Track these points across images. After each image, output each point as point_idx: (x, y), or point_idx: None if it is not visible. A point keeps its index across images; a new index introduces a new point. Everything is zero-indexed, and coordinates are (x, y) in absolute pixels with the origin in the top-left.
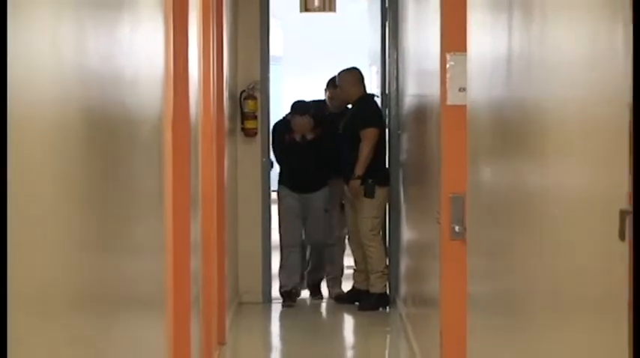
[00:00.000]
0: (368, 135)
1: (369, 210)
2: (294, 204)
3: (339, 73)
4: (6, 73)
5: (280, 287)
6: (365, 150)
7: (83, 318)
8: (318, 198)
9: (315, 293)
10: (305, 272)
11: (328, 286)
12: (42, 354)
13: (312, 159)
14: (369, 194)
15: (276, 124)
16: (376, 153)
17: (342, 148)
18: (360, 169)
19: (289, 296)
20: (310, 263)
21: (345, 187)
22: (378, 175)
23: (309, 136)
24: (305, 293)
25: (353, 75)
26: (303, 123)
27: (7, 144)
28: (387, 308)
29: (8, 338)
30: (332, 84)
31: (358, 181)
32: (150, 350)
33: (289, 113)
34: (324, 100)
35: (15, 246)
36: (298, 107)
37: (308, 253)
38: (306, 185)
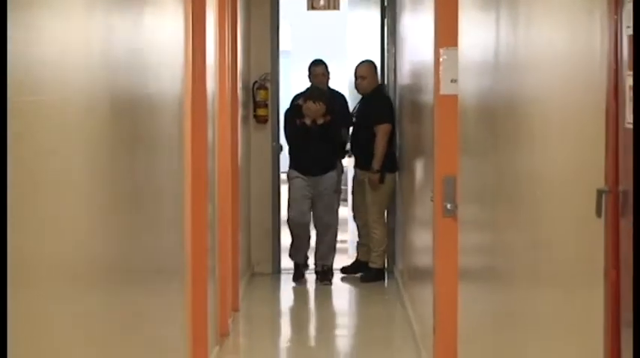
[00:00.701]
0: (384, 130)
1: (379, 196)
2: (302, 185)
3: (359, 65)
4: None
5: (290, 255)
6: (380, 145)
7: (111, 287)
8: (327, 180)
9: (324, 278)
10: (313, 256)
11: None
12: (79, 316)
13: (321, 143)
14: (381, 181)
15: (289, 109)
16: (389, 144)
17: (358, 136)
18: (377, 164)
19: (298, 269)
20: (318, 249)
21: (363, 174)
22: (388, 163)
23: (320, 121)
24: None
25: (371, 66)
26: (316, 109)
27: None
28: (385, 280)
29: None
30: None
31: (377, 175)
32: (171, 316)
33: (299, 97)
34: (335, 90)
35: (49, 215)
36: (314, 93)
37: (314, 239)
38: (316, 168)
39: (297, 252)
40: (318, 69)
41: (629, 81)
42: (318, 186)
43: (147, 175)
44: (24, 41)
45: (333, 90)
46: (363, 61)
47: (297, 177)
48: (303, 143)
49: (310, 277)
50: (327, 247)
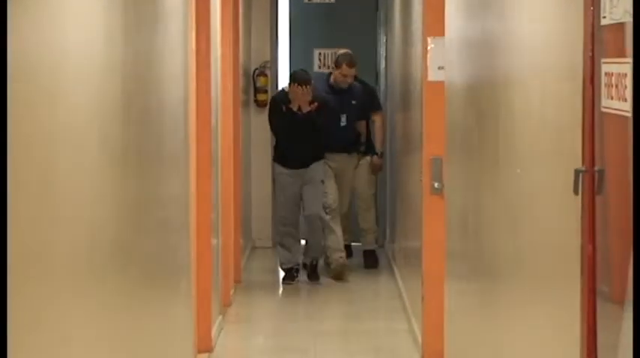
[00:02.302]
0: (381, 117)
1: (372, 179)
2: (289, 181)
3: (350, 55)
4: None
5: (281, 264)
6: (381, 131)
7: (120, 261)
8: (314, 169)
9: (312, 276)
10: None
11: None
12: (89, 288)
13: (309, 132)
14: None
15: (275, 96)
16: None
17: (354, 124)
18: (381, 147)
19: (289, 274)
20: (307, 242)
21: (364, 160)
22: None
23: (307, 109)
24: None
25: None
26: (303, 93)
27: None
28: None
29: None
30: (347, 62)
31: (381, 159)
32: (177, 287)
33: (288, 84)
34: (326, 75)
35: (66, 193)
36: (299, 77)
37: (304, 231)
38: (303, 160)
39: (289, 253)
40: (341, 69)
41: (604, 67)
42: (305, 176)
43: (154, 153)
44: (28, 38)
45: (318, 74)
46: (349, 54)
47: (282, 173)
48: (290, 131)
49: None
50: (317, 239)
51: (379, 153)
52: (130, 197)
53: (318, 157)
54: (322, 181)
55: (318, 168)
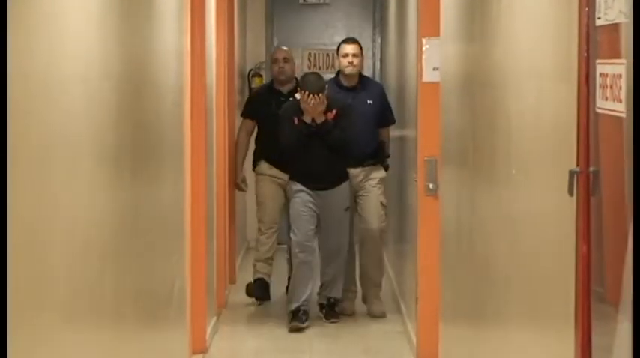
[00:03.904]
0: (389, 130)
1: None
2: (307, 199)
3: (355, 39)
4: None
5: (290, 303)
6: (389, 141)
7: (114, 259)
8: (338, 194)
9: (331, 314)
10: (318, 289)
11: (365, 302)
12: (82, 289)
13: (326, 148)
14: None
15: (286, 107)
16: None
17: (372, 129)
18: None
19: (297, 316)
20: (322, 277)
21: (374, 174)
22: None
23: (321, 119)
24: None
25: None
26: (316, 104)
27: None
28: None
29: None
30: (345, 41)
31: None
32: (171, 288)
33: (298, 90)
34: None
35: (60, 194)
36: (311, 85)
37: (320, 266)
38: (322, 182)
39: (300, 286)
40: (347, 47)
41: (599, 68)
42: (327, 201)
43: (150, 153)
44: (25, 40)
45: (365, 78)
46: (353, 39)
47: (301, 190)
48: (305, 148)
49: (313, 313)
50: (336, 276)
51: (386, 166)
52: (125, 199)
53: (341, 178)
54: (347, 208)
55: (341, 193)
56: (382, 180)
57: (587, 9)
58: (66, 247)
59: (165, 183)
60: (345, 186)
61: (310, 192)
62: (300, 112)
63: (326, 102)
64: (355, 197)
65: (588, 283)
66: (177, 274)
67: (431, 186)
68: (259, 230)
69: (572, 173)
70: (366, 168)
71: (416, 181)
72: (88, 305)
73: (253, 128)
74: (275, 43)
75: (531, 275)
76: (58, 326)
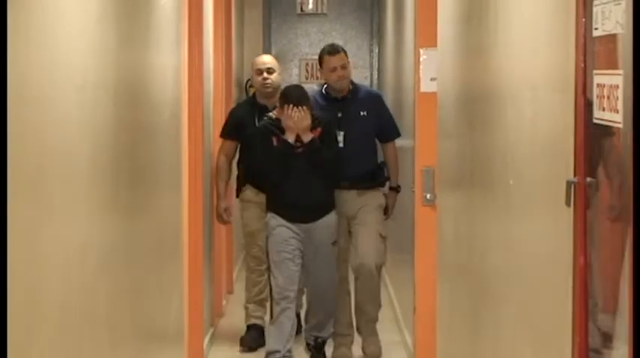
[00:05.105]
0: (394, 144)
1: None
2: (289, 236)
3: (338, 47)
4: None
5: (268, 353)
6: (397, 160)
7: (111, 270)
8: (325, 227)
9: (318, 355)
10: (302, 329)
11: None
12: (80, 301)
13: (313, 171)
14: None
15: (262, 125)
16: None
17: (368, 146)
18: (397, 179)
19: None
20: (309, 317)
21: (372, 196)
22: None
23: (308, 137)
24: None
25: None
26: (301, 117)
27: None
28: None
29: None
30: (328, 51)
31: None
32: (168, 298)
33: (278, 106)
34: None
35: (57, 204)
36: (295, 96)
37: (306, 305)
38: (306, 212)
39: (283, 335)
40: (333, 59)
41: (596, 79)
42: (312, 236)
43: (147, 163)
44: (25, 41)
45: (357, 86)
46: (330, 44)
47: (281, 225)
48: (287, 173)
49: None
50: (324, 315)
51: (396, 187)
52: (122, 208)
53: (328, 208)
54: (334, 243)
55: (328, 225)
56: (381, 207)
57: (584, 20)
58: (61, 259)
59: (162, 193)
60: (332, 217)
61: (292, 225)
62: (279, 131)
63: (310, 117)
64: (348, 225)
65: (586, 293)
66: (175, 285)
67: (428, 196)
68: (248, 267)
69: (569, 183)
70: (361, 191)
71: (413, 191)
72: (83, 317)
73: (235, 150)
74: (272, 53)
75: (528, 286)
76: (53, 340)
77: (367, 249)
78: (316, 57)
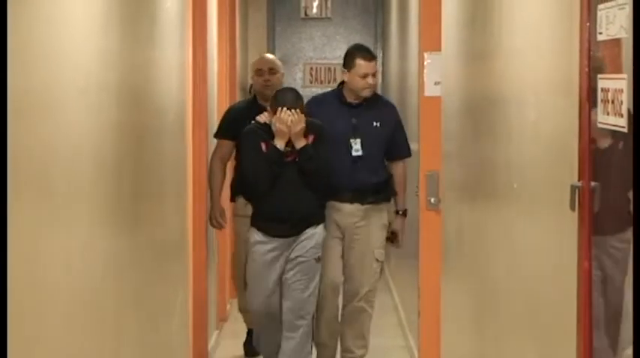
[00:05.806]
0: (405, 164)
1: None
2: (269, 257)
3: (373, 53)
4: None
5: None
6: (406, 181)
7: (116, 275)
8: (308, 241)
9: None
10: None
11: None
12: (84, 303)
13: (303, 181)
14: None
15: (250, 129)
16: None
17: (377, 157)
18: (403, 201)
19: None
20: (285, 347)
21: (377, 214)
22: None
23: (300, 144)
24: None
25: None
26: (294, 121)
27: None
28: None
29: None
30: (363, 55)
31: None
32: (172, 302)
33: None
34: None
35: (60, 208)
36: (288, 98)
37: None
38: (293, 224)
39: (268, 345)
40: (368, 66)
41: (601, 83)
42: (293, 250)
43: (151, 166)
44: (26, 39)
45: (374, 95)
46: (361, 45)
47: (261, 242)
48: (276, 181)
49: None
50: (300, 345)
51: (404, 210)
52: (125, 211)
53: (315, 219)
54: (318, 259)
55: (314, 239)
56: (385, 228)
57: (588, 24)
58: (64, 263)
59: (166, 196)
60: (318, 231)
61: (275, 241)
62: (268, 136)
63: (304, 121)
64: (343, 241)
65: (590, 297)
66: (179, 287)
67: (432, 200)
68: (237, 276)
69: (573, 188)
70: (366, 206)
71: (417, 195)
72: (90, 316)
73: (231, 152)
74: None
75: (533, 290)
76: (59, 336)
77: (360, 276)
78: (320, 61)
